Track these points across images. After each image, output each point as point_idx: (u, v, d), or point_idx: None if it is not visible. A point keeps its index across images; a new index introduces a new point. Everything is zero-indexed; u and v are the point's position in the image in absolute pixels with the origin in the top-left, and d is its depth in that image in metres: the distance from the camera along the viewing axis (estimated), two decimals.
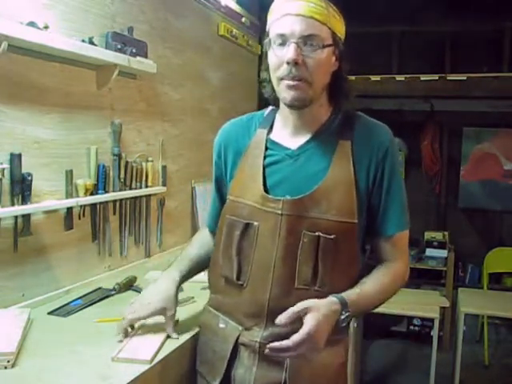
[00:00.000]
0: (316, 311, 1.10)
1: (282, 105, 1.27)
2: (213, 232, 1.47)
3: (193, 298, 1.72)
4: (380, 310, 3.37)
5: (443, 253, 4.22)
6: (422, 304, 3.10)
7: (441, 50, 4.45)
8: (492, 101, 4.11)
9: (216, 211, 1.44)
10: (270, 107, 1.36)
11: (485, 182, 4.54)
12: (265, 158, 1.28)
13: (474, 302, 3.16)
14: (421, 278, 4.44)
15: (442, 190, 4.67)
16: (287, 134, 1.29)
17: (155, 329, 1.39)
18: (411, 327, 4.18)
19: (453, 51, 4.43)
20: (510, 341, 4.16)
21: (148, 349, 1.27)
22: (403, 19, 4.20)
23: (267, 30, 1.23)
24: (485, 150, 4.53)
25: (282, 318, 1.10)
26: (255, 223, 1.23)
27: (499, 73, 3.90)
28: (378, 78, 3.97)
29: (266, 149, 1.28)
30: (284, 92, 1.19)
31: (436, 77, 3.84)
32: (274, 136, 1.30)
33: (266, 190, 1.24)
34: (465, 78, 3.76)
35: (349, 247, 1.22)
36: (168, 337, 1.37)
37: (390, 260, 1.28)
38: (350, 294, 1.17)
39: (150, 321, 1.39)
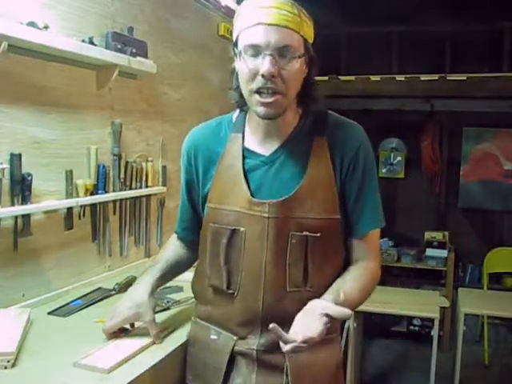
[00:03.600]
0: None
1: (252, 112, 1.23)
2: (181, 238, 1.46)
3: (193, 297, 1.71)
4: (380, 310, 3.37)
5: (443, 253, 4.23)
6: (422, 304, 3.10)
7: (441, 50, 4.46)
8: (492, 101, 4.11)
9: (185, 216, 1.42)
10: (238, 110, 1.34)
11: (485, 182, 4.54)
12: (242, 165, 1.25)
13: (474, 302, 3.15)
14: (421, 277, 4.45)
15: (442, 189, 4.68)
16: (258, 140, 1.26)
17: (143, 336, 1.36)
18: (411, 327, 4.19)
19: (453, 51, 4.44)
20: (510, 341, 4.16)
21: (113, 357, 1.23)
22: (403, 19, 4.21)
23: (235, 37, 1.18)
24: (485, 149, 4.53)
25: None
26: (242, 229, 1.20)
27: (499, 73, 3.91)
28: (378, 78, 3.98)
29: (243, 156, 1.26)
30: (257, 106, 1.15)
31: (436, 77, 3.84)
32: (246, 143, 1.27)
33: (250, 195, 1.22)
34: (465, 78, 3.76)
35: (334, 244, 1.23)
36: (153, 343, 1.34)
37: (363, 259, 1.26)
38: (337, 301, 1.15)
39: (140, 328, 1.39)
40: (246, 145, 1.27)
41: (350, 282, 1.21)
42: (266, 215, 1.18)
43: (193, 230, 1.39)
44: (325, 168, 1.20)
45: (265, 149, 1.25)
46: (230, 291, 1.23)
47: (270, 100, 1.13)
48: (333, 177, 1.20)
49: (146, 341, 1.33)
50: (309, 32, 1.17)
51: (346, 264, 1.27)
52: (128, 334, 1.38)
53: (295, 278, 1.19)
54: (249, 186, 1.22)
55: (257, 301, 1.19)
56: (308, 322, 1.08)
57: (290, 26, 1.10)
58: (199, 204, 1.34)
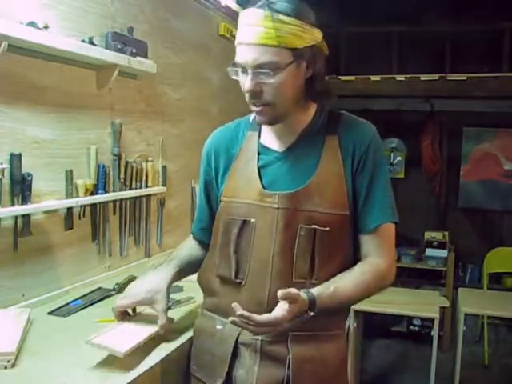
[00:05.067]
0: (297, 305, 1.10)
1: None
2: (197, 239, 1.48)
3: (193, 298, 1.72)
4: (380, 309, 3.37)
5: (443, 253, 4.23)
6: (422, 304, 3.10)
7: (441, 50, 4.45)
8: (492, 101, 4.11)
9: (203, 217, 1.45)
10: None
11: (485, 182, 4.54)
12: (257, 161, 1.30)
13: (474, 302, 3.15)
14: (421, 278, 4.45)
15: (442, 190, 4.67)
16: (273, 137, 1.31)
17: (148, 323, 1.37)
18: (411, 327, 4.19)
19: (453, 51, 4.44)
20: (510, 341, 4.16)
21: (127, 342, 1.24)
22: (403, 19, 4.21)
23: None
24: (485, 149, 4.53)
25: (282, 294, 1.09)
26: (252, 220, 1.25)
27: (499, 73, 3.91)
28: (378, 78, 3.98)
29: (258, 152, 1.31)
30: (254, 114, 1.25)
31: (436, 77, 3.84)
32: (262, 140, 1.33)
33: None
34: (465, 78, 3.76)
35: (342, 239, 1.24)
36: (158, 333, 1.34)
37: (371, 256, 1.25)
38: (323, 296, 1.15)
39: (148, 312, 1.40)
40: (262, 142, 1.32)
41: (346, 278, 1.21)
42: (275, 206, 1.22)
43: (209, 231, 1.40)
44: (335, 165, 1.24)
45: (279, 145, 1.30)
46: (238, 280, 1.25)
47: (258, 109, 1.21)
48: (343, 174, 1.24)
49: (151, 329, 1.33)
50: (300, 40, 1.16)
51: (358, 261, 1.27)
52: (131, 319, 1.38)
53: (301, 270, 1.21)
54: (262, 181, 1.26)
55: (263, 290, 1.22)
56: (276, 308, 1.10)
57: (268, 43, 1.13)
58: (217, 204, 1.37)
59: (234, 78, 1.22)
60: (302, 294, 1.12)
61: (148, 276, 1.40)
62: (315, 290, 1.15)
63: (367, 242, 1.26)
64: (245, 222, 1.25)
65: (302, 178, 1.24)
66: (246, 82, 1.17)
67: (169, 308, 1.62)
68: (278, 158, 1.28)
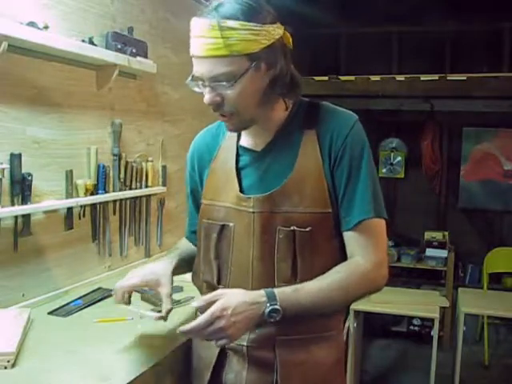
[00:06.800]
0: (226, 298, 1.08)
1: None
2: (191, 242, 1.47)
3: (193, 297, 1.72)
4: (380, 309, 3.37)
5: (443, 253, 4.23)
6: (422, 304, 3.10)
7: (441, 50, 4.46)
8: (492, 101, 4.11)
9: (193, 220, 1.42)
10: None
11: (485, 182, 4.55)
12: (236, 162, 1.26)
13: (474, 302, 3.16)
14: (421, 277, 4.45)
15: (442, 189, 4.68)
16: (251, 137, 1.27)
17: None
18: (411, 327, 4.19)
19: (453, 51, 4.45)
20: (510, 341, 4.17)
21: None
22: (403, 19, 4.21)
23: None
24: (485, 150, 4.53)
25: (194, 304, 1.12)
26: (231, 224, 1.22)
27: (499, 73, 3.91)
28: (378, 78, 3.98)
29: (238, 154, 1.27)
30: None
31: (436, 77, 3.84)
32: (241, 140, 1.29)
33: (242, 192, 1.22)
34: (465, 78, 3.76)
35: (326, 238, 1.18)
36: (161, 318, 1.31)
37: (354, 255, 1.17)
38: (285, 289, 1.11)
39: None
40: (241, 143, 1.29)
41: (316, 279, 1.15)
42: (251, 210, 1.19)
43: None
44: (314, 161, 1.18)
45: (257, 145, 1.26)
46: (221, 286, 1.23)
47: (223, 119, 1.20)
48: (322, 169, 1.18)
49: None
50: (254, 45, 1.10)
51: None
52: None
53: (284, 273, 1.17)
54: (241, 183, 1.24)
55: None
56: None
57: (219, 54, 1.08)
58: None
59: (196, 90, 1.17)
60: (260, 290, 1.10)
61: (149, 264, 1.36)
62: (270, 290, 1.11)
63: (350, 241, 1.18)
64: (223, 227, 1.22)
65: (279, 178, 1.19)
66: (205, 94, 1.14)
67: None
68: (255, 159, 1.24)
